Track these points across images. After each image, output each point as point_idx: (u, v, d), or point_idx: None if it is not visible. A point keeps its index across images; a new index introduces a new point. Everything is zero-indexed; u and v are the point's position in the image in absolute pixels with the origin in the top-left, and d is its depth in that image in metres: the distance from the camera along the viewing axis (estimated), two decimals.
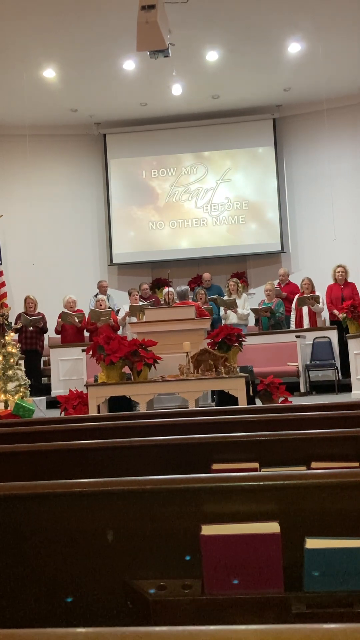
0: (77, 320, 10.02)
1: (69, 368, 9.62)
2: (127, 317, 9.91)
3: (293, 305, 10.10)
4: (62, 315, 10.08)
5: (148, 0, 7.23)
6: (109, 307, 10.28)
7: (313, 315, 9.82)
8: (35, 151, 11.73)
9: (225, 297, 10.14)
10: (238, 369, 6.67)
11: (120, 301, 11.01)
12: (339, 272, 9.80)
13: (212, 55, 10.07)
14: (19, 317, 9.80)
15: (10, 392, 7.33)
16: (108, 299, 10.75)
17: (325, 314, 10.12)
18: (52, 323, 10.31)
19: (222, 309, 10.16)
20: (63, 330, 10.18)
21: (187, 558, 1.44)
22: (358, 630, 0.75)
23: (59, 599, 1.48)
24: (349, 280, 9.83)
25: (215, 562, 1.31)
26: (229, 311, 9.89)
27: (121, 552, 1.49)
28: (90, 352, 6.89)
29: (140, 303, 10.06)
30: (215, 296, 10.31)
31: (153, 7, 7.19)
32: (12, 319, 8.70)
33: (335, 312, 9.61)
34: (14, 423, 3.84)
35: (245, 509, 1.50)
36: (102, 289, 11.08)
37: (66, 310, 10.11)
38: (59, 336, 10.33)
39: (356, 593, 1.26)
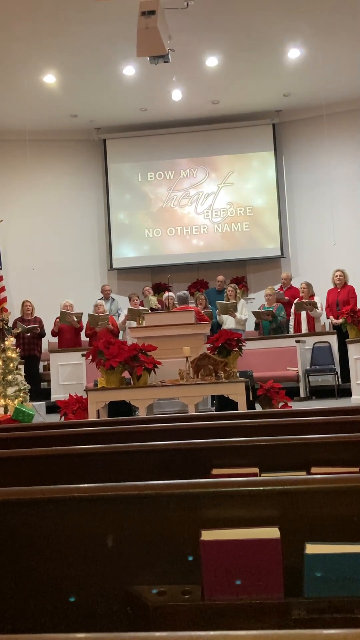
0: (75, 319, 10.00)
1: (68, 373, 9.62)
2: (127, 321, 9.91)
3: (292, 310, 10.11)
4: (60, 315, 10.06)
5: (148, 6, 7.26)
6: (109, 312, 10.27)
7: (311, 320, 9.82)
8: (36, 156, 11.75)
9: (225, 301, 10.13)
10: (238, 374, 6.67)
11: (122, 306, 11.02)
12: (337, 276, 9.81)
13: (212, 61, 10.09)
14: (15, 323, 9.78)
15: (10, 397, 7.33)
16: (111, 303, 10.76)
17: (324, 319, 10.12)
18: (51, 328, 10.31)
19: (217, 314, 10.12)
20: (60, 333, 10.17)
21: (189, 559, 1.43)
22: (358, 636, 0.75)
23: (59, 604, 1.47)
24: (349, 284, 9.83)
25: (215, 568, 1.31)
26: (226, 316, 9.87)
27: (121, 558, 1.49)
28: (90, 357, 6.89)
29: (140, 308, 10.06)
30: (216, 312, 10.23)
31: (153, 13, 7.21)
32: (11, 324, 8.70)
33: (332, 319, 9.61)
34: (14, 428, 3.83)
35: (245, 514, 1.50)
36: (105, 293, 11.10)
37: (64, 310, 10.08)
38: (57, 340, 10.33)
39: (356, 599, 1.26)
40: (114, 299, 11.17)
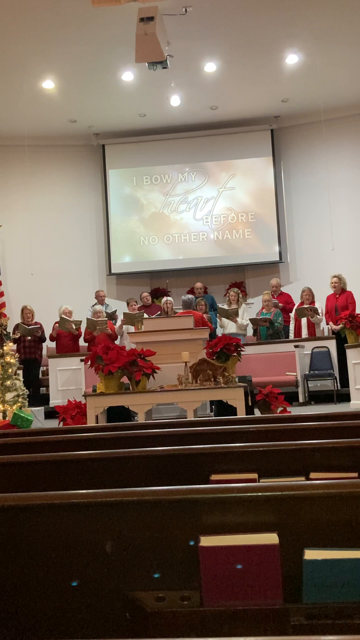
0: (74, 327, 10.00)
1: (67, 378, 9.61)
2: (124, 326, 9.90)
3: (292, 315, 10.11)
4: (59, 321, 10.06)
5: (147, 12, 7.29)
6: (106, 317, 10.27)
7: (312, 326, 9.82)
8: (35, 162, 11.76)
9: (226, 306, 10.14)
10: (237, 379, 6.66)
11: (120, 311, 11.01)
12: (333, 282, 9.81)
13: (210, 67, 10.12)
14: (16, 327, 9.80)
15: (9, 402, 7.32)
16: (106, 309, 10.76)
17: (324, 324, 10.12)
18: (49, 333, 10.31)
19: (217, 318, 10.13)
20: (58, 338, 10.17)
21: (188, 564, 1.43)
22: None
23: (58, 610, 1.47)
24: (348, 289, 9.83)
25: (214, 574, 1.31)
26: (227, 320, 9.87)
27: (120, 563, 1.49)
28: (89, 362, 6.89)
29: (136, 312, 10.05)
30: (217, 310, 10.26)
31: (152, 19, 7.25)
32: (10, 329, 8.70)
33: (331, 325, 9.60)
34: (12, 433, 3.83)
35: (244, 520, 1.49)
36: (99, 298, 11.09)
37: (64, 316, 10.09)
38: (55, 345, 10.32)
39: (355, 604, 1.26)
40: (108, 305, 11.16)
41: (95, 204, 12.63)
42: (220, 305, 10.31)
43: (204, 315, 9.25)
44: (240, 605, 1.29)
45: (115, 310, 10.81)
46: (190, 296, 9.20)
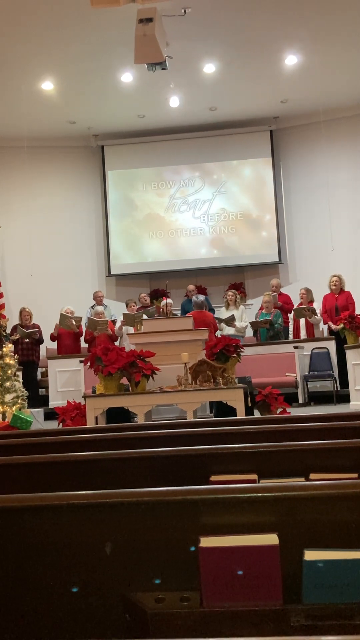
0: (74, 323, 9.99)
1: (67, 379, 9.60)
2: (123, 327, 9.89)
3: (291, 316, 10.10)
4: (60, 318, 10.05)
5: (146, 13, 7.29)
6: (107, 318, 10.27)
7: (310, 326, 9.82)
8: (34, 163, 11.76)
9: (223, 310, 10.14)
10: (236, 380, 6.66)
11: (119, 312, 11.02)
12: (333, 282, 9.81)
13: (209, 68, 10.12)
14: (14, 329, 9.78)
15: (8, 403, 7.32)
16: (105, 309, 10.76)
17: (323, 325, 10.12)
18: (49, 334, 10.30)
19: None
20: (59, 338, 10.15)
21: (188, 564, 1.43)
22: None
23: (57, 611, 1.47)
24: (346, 289, 9.84)
25: (213, 574, 1.30)
26: (224, 324, 9.85)
27: (119, 564, 1.48)
28: (88, 363, 6.88)
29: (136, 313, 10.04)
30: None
31: (151, 20, 7.25)
32: (9, 331, 8.69)
33: (331, 325, 9.60)
34: (12, 435, 3.82)
35: (243, 521, 1.49)
36: (97, 299, 11.08)
37: (64, 313, 10.07)
38: (56, 346, 10.31)
39: (355, 605, 1.26)
40: (106, 306, 11.16)
41: (94, 205, 12.63)
42: (217, 315, 10.27)
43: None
44: (240, 606, 1.28)
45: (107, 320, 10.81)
46: (202, 297, 9.18)
